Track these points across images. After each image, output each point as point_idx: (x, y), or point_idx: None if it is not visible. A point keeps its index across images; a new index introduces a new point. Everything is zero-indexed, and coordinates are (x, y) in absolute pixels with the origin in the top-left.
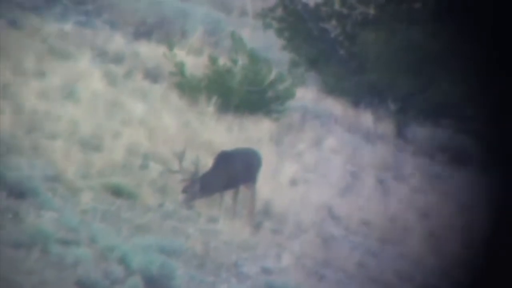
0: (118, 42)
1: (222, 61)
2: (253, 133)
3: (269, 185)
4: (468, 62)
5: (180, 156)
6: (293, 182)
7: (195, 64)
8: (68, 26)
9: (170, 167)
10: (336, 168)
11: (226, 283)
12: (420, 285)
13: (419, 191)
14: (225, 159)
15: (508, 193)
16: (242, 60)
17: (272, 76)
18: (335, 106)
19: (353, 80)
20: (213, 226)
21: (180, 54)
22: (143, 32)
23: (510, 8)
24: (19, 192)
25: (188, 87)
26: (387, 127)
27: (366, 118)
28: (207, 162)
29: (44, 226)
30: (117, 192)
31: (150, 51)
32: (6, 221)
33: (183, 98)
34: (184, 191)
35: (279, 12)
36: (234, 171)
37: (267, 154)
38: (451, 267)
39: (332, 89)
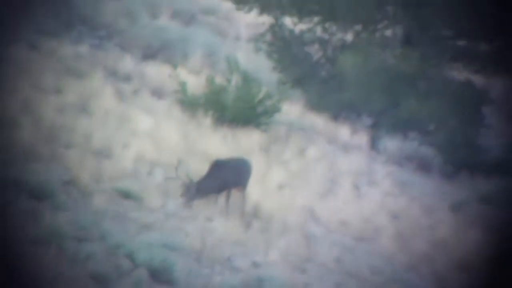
0: (127, 63)
1: (218, 80)
2: (244, 143)
3: (258, 189)
4: (432, 83)
5: (179, 164)
6: (280, 187)
7: (195, 83)
8: (83, 49)
9: (169, 174)
10: (317, 174)
11: (220, 275)
12: (389, 278)
13: (389, 195)
14: (218, 166)
15: (466, 196)
16: (235, 80)
17: (262, 94)
18: (317, 120)
19: (333, 98)
20: (209, 225)
21: (182, 74)
22: (149, 54)
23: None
24: (38, 195)
25: (188, 103)
26: (362, 139)
27: (344, 131)
28: (204, 169)
29: (60, 225)
30: (125, 195)
31: (156, 71)
32: (27, 221)
33: (184, 112)
34: (183, 194)
35: (268, 37)
36: (226, 176)
37: (256, 162)
38: (417, 262)
39: (314, 105)
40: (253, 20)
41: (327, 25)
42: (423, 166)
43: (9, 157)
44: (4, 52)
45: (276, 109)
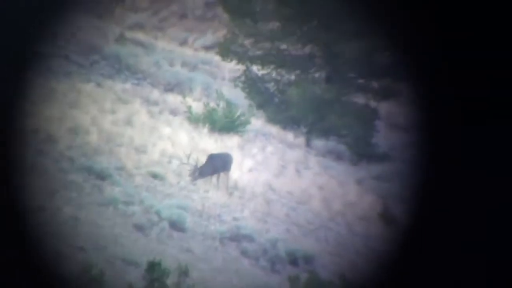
0: (155, 94)
1: (211, 105)
2: (228, 143)
3: (237, 172)
4: (344, 106)
5: (188, 157)
6: (250, 170)
7: (197, 107)
8: (127, 86)
9: (181, 163)
10: (273, 163)
11: (214, 225)
12: (318, 226)
13: (318, 175)
14: (212, 158)
15: (364, 175)
16: (222, 104)
17: (238, 112)
18: (273, 129)
19: (283, 115)
20: (206, 194)
21: (189, 101)
22: (168, 88)
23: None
24: (101, 176)
25: (193, 119)
26: (301, 140)
27: (290, 136)
28: (203, 160)
29: (115, 195)
30: (154, 176)
31: (173, 99)
32: (95, 192)
33: (191, 125)
34: (190, 175)
35: (242, 78)
36: (217, 164)
37: (235, 155)
38: (336, 216)
39: (271, 120)
40: (233, 67)
41: (279, 70)
42: (339, 157)
43: (83, 153)
44: (82, 88)
45: (247, 122)
